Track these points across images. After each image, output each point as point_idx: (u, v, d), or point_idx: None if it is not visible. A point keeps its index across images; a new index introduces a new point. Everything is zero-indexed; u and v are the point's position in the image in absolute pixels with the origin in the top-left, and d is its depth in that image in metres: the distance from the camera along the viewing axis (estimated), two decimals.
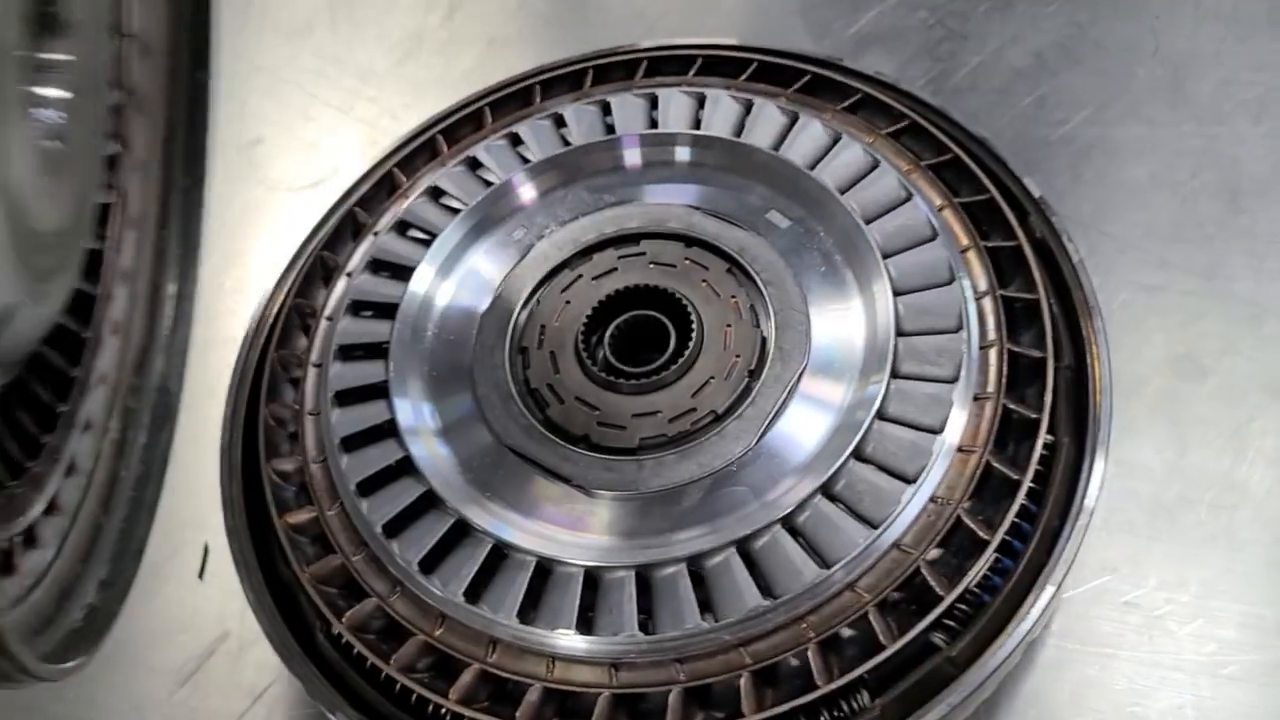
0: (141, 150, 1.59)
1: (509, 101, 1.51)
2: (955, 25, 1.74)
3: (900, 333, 1.20)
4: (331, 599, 1.19)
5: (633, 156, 1.39)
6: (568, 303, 1.31)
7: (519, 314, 1.32)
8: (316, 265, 1.40)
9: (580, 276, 1.33)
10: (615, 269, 1.33)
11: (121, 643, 1.40)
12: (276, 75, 1.93)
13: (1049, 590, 1.09)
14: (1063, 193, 1.54)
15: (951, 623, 1.10)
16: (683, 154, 1.38)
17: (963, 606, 1.10)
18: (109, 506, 1.46)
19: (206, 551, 1.46)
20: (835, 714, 1.08)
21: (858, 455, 1.14)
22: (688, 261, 1.32)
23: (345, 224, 1.44)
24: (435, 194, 1.42)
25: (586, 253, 1.35)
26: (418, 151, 1.48)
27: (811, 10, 1.83)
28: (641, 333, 1.30)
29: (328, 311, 1.36)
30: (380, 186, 1.46)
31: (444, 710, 1.11)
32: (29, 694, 1.36)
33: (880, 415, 1.16)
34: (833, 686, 1.05)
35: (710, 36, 1.55)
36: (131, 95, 1.55)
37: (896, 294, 1.22)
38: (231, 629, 1.41)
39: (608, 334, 1.30)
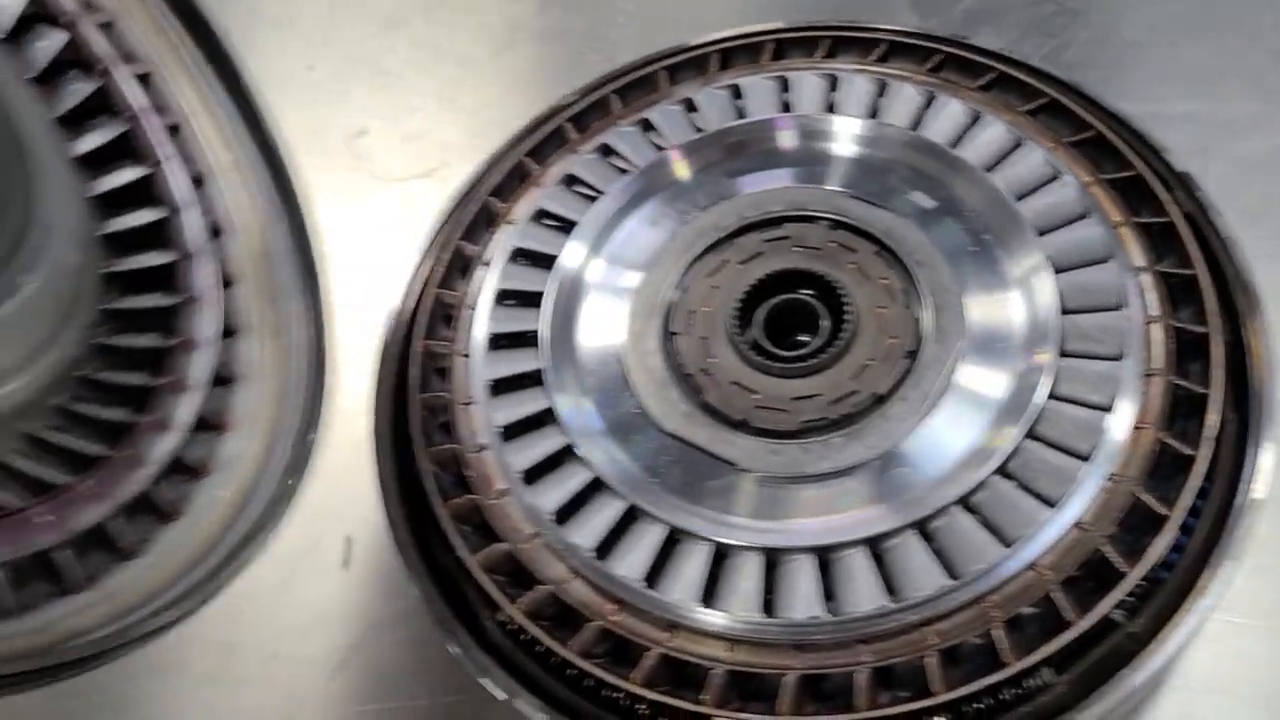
0: (155, 60, 1.47)
1: (636, 87, 1.51)
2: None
3: (1062, 310, 1.20)
4: (500, 586, 1.19)
5: (771, 139, 1.39)
6: (715, 288, 1.31)
7: (666, 299, 1.32)
8: (455, 255, 1.41)
9: (726, 262, 1.33)
10: (760, 253, 1.33)
11: (269, 636, 1.42)
12: (375, 66, 1.93)
13: (1229, 564, 1.09)
14: (1186, 167, 1.53)
15: (1130, 599, 1.10)
16: (821, 136, 1.38)
17: (1141, 582, 1.10)
18: (285, 390, 1.42)
19: (350, 543, 1.47)
20: (1018, 692, 1.08)
21: (1030, 434, 1.15)
22: (833, 244, 1.32)
23: (480, 213, 1.44)
24: (570, 181, 1.42)
25: (730, 237, 1.35)
26: (547, 139, 1.48)
27: None
28: (792, 316, 1.30)
29: (469, 301, 1.37)
30: (512, 175, 1.46)
31: (622, 694, 1.12)
32: (191, 685, 1.38)
33: (1050, 394, 1.16)
34: (1021, 666, 1.06)
35: (826, 18, 1.55)
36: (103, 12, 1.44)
37: (1056, 271, 1.22)
38: (381, 619, 1.42)
39: (759, 318, 1.30)
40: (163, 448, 1.25)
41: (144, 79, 1.45)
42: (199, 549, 1.22)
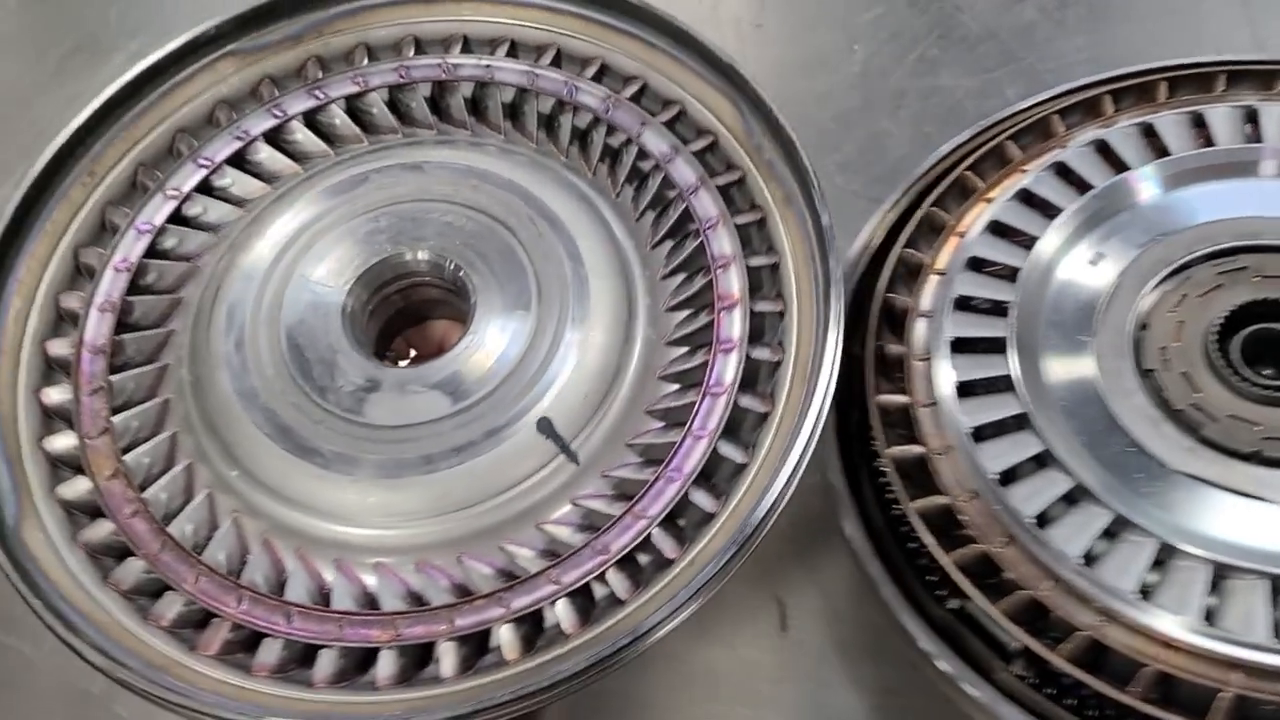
0: None
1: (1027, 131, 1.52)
2: None
3: None
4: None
5: (1209, 170, 1.39)
6: (1180, 322, 1.30)
7: (1130, 335, 1.30)
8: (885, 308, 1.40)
9: (1185, 295, 1.31)
10: (1220, 285, 1.31)
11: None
12: None
13: None
14: None
15: None
16: (1257, 167, 1.38)
17: None
18: None
19: (783, 606, 1.45)
20: None
21: None
22: None
23: (897, 266, 1.43)
24: (996, 229, 1.41)
25: (1181, 270, 1.33)
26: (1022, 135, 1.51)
27: None
28: (1268, 347, 1.29)
29: (917, 353, 1.35)
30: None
31: None
32: None
33: None
34: None
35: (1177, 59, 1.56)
36: None
37: None
38: (821, 676, 1.39)
39: (1234, 350, 1.28)
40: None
41: None
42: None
